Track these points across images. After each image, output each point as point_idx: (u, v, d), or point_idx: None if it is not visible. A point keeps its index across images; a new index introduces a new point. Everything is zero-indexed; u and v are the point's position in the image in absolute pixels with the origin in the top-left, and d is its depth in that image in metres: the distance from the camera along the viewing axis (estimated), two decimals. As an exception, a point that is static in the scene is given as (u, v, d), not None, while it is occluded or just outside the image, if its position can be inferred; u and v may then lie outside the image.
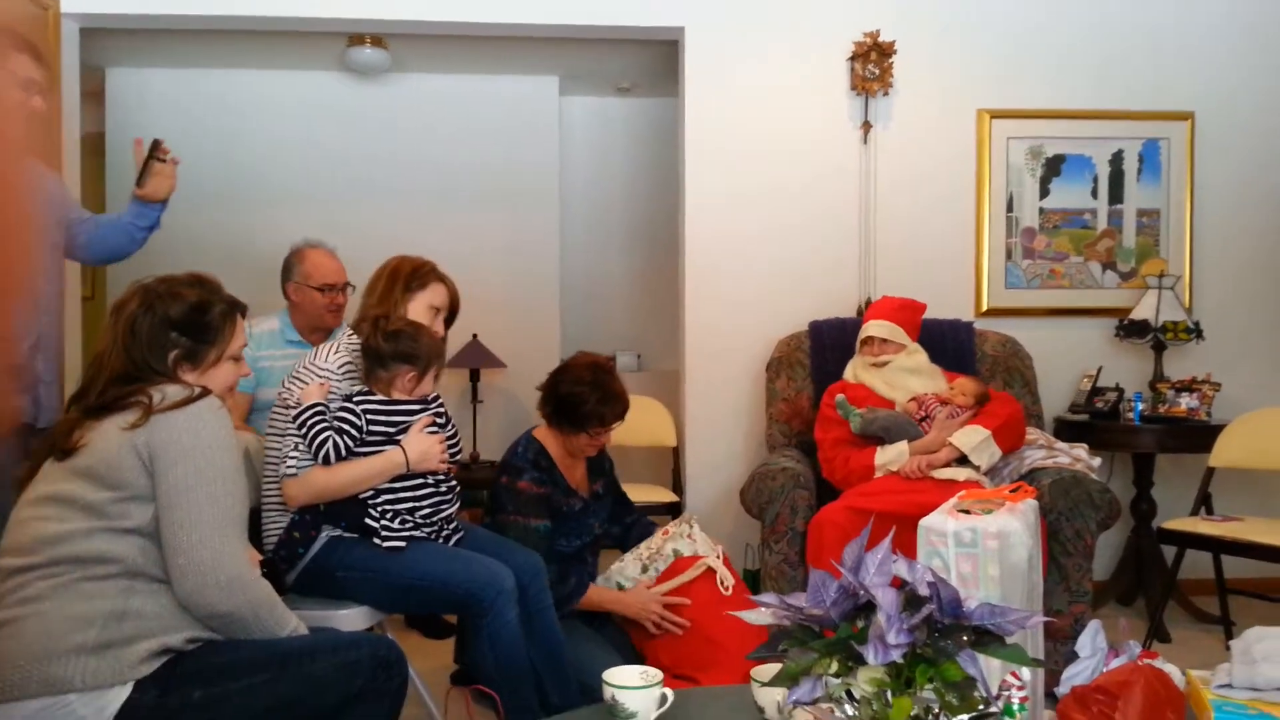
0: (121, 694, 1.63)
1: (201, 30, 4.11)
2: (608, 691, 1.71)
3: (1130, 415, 3.80)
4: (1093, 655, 1.54)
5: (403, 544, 2.31)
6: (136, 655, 1.66)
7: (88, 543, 1.70)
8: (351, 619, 2.29)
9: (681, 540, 2.92)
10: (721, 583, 2.83)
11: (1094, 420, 3.81)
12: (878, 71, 3.95)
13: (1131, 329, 3.92)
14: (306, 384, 2.39)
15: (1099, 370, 3.95)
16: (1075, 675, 1.52)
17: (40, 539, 1.70)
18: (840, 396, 3.26)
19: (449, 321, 2.70)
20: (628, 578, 2.86)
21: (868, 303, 3.83)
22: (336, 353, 2.46)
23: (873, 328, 3.37)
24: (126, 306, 1.86)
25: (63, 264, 2.68)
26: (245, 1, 3.78)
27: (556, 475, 2.84)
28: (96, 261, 2.87)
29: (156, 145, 2.75)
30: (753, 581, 3.68)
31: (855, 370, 3.42)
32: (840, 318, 3.76)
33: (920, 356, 3.38)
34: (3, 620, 1.67)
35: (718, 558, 2.90)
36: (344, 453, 2.29)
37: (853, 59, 3.95)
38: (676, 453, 4.20)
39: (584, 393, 2.77)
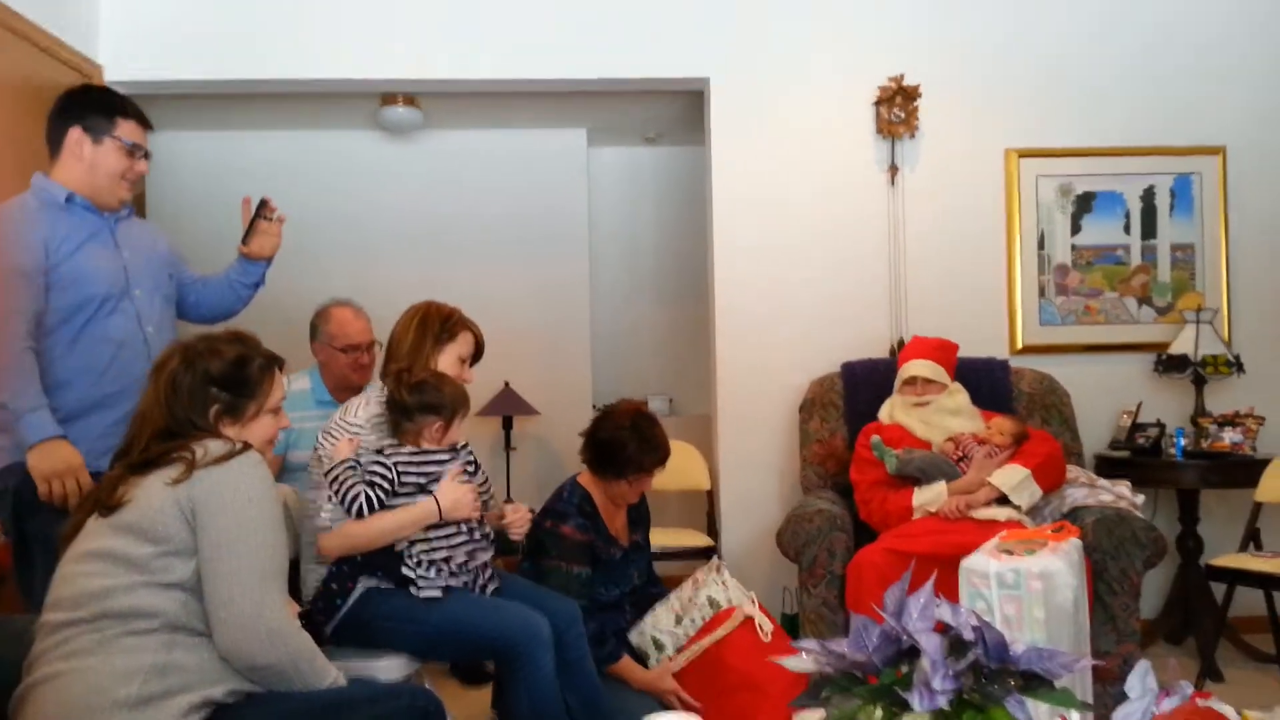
0: (165, 747, 1.63)
1: (238, 95, 4.22)
2: (648, 740, 1.69)
3: (1172, 451, 3.73)
4: (1143, 696, 1.50)
5: (439, 593, 2.31)
6: (178, 709, 1.66)
7: (130, 597, 1.71)
8: (390, 668, 2.29)
9: (715, 587, 2.90)
10: (760, 628, 2.80)
11: (1135, 457, 3.75)
12: (903, 115, 3.97)
13: (1171, 363, 3.87)
14: (337, 440, 2.41)
15: (1139, 406, 3.89)
16: (1126, 717, 1.48)
17: (85, 594, 1.72)
18: (875, 438, 3.24)
19: (475, 360, 2.70)
20: (662, 630, 2.84)
21: (900, 343, 3.81)
22: (366, 406, 2.48)
23: (916, 367, 3.35)
24: (168, 364, 1.90)
25: (171, 317, 2.69)
26: (280, 66, 3.88)
27: (600, 523, 2.84)
28: (206, 320, 2.85)
29: (264, 204, 2.78)
30: (791, 626, 3.63)
31: (891, 411, 3.40)
32: (873, 358, 3.75)
33: (962, 396, 3.36)
34: (48, 675, 1.68)
35: (753, 603, 2.88)
36: (376, 505, 2.31)
37: (878, 103, 3.98)
38: (710, 496, 4.18)
39: (624, 439, 2.78)
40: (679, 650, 2.81)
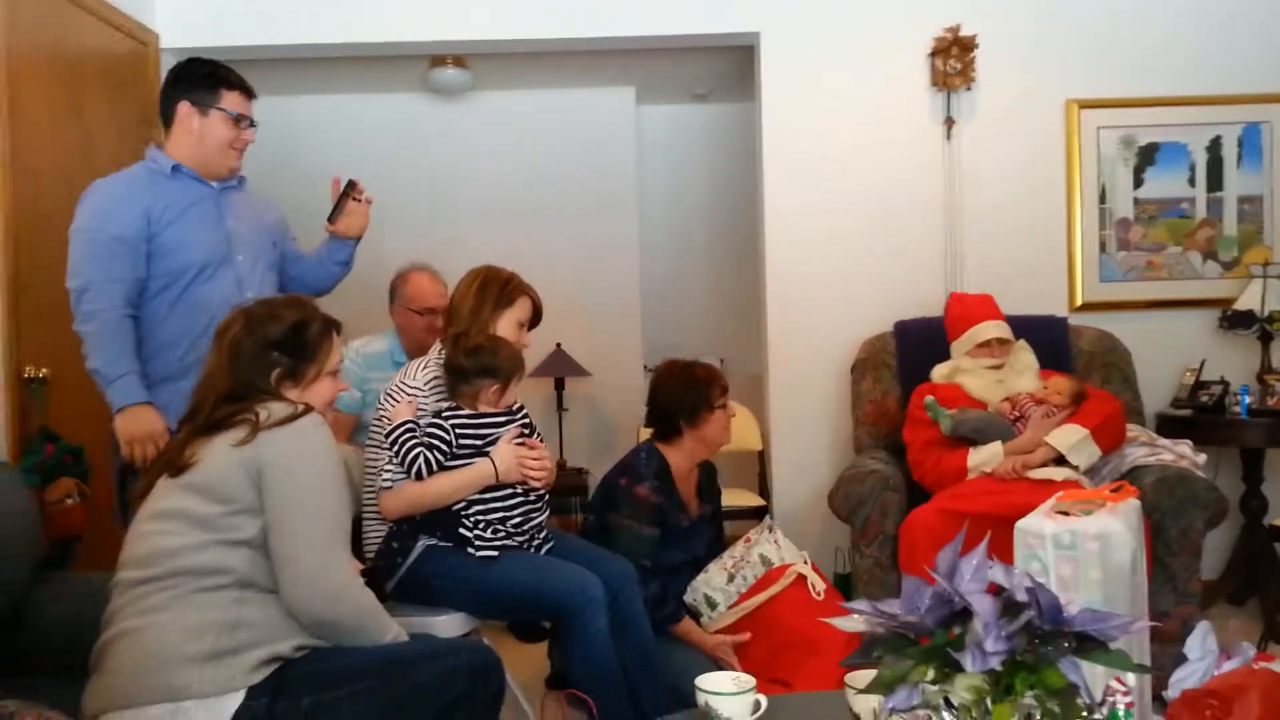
0: (236, 700, 1.70)
1: (290, 59, 4.26)
2: (701, 698, 1.72)
3: (1237, 409, 3.65)
4: (1203, 658, 1.48)
5: (495, 554, 2.35)
6: (249, 663, 1.73)
7: (201, 555, 1.77)
8: (448, 625, 2.35)
9: (769, 545, 2.92)
10: (813, 587, 2.82)
11: (1198, 415, 3.68)
12: (960, 66, 3.88)
13: (1236, 320, 3.77)
14: (397, 402, 2.45)
15: (1202, 364, 3.81)
16: (1185, 679, 1.47)
17: (157, 552, 1.78)
18: (930, 398, 3.21)
19: (533, 325, 2.72)
20: (715, 588, 2.86)
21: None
22: (425, 369, 2.52)
23: (991, 329, 3.31)
24: (230, 330, 1.95)
25: (273, 284, 2.76)
26: (331, 30, 3.90)
27: (673, 490, 2.88)
28: (302, 289, 2.90)
29: (352, 185, 2.83)
30: (844, 586, 3.64)
31: (952, 373, 3.34)
32: (927, 317, 3.70)
33: (1029, 354, 3.31)
34: (124, 630, 1.75)
35: (805, 563, 2.89)
36: (435, 467, 2.35)
37: (933, 55, 3.89)
38: (762, 456, 4.18)
39: (694, 371, 2.88)
40: (730, 607, 2.84)
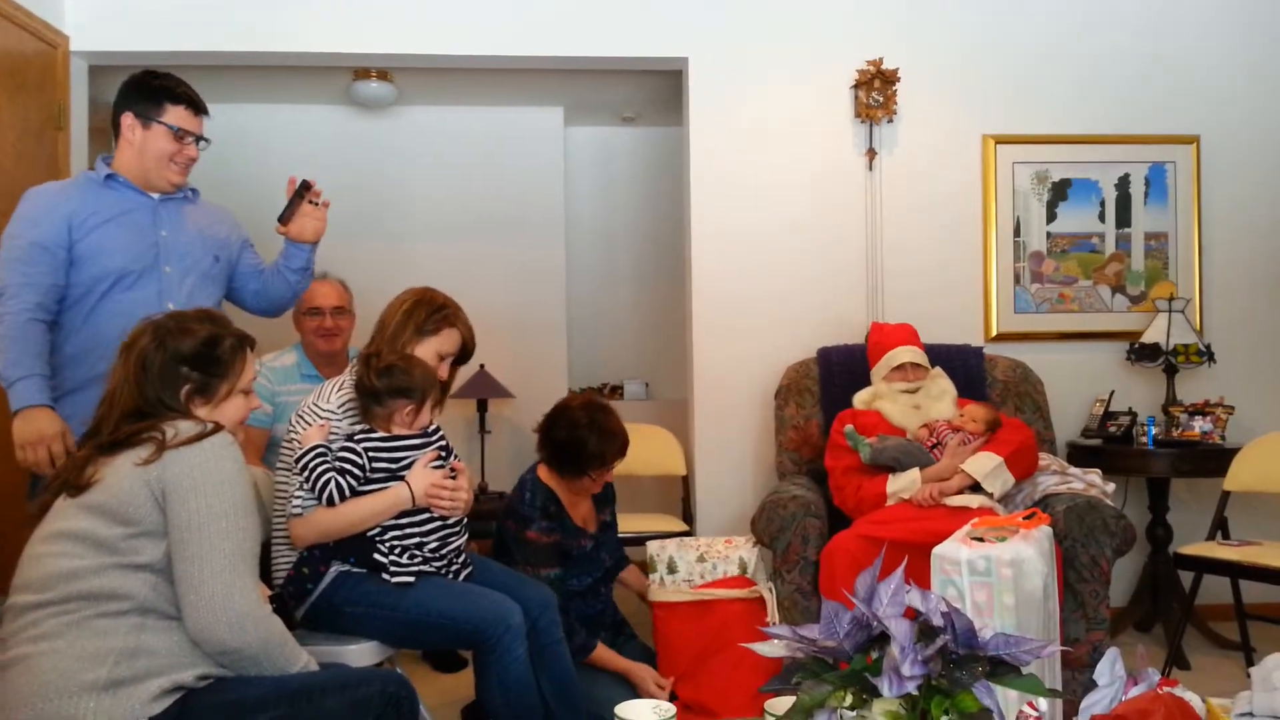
0: (133, 732, 1.62)
1: (206, 67, 4.16)
2: (621, 726, 1.69)
3: (1144, 439, 3.77)
4: (1111, 684, 1.52)
5: (412, 579, 2.30)
6: (148, 693, 1.65)
7: (100, 579, 1.69)
8: (361, 654, 2.28)
9: (750, 555, 2.94)
10: (771, 615, 2.85)
11: (1107, 445, 3.79)
12: (881, 99, 3.97)
13: (1143, 352, 3.91)
14: (310, 425, 2.38)
15: (1111, 394, 3.93)
16: (1094, 704, 1.50)
17: (53, 575, 1.70)
18: (849, 427, 3.24)
19: (461, 360, 2.66)
20: (683, 559, 2.90)
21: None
22: (339, 391, 2.45)
23: (905, 354, 3.36)
24: (137, 343, 1.88)
25: (208, 297, 2.67)
26: (251, 38, 3.82)
27: (565, 519, 2.83)
28: (266, 310, 2.87)
29: (307, 187, 2.74)
30: (765, 611, 3.65)
31: (873, 399, 3.39)
32: (849, 344, 3.76)
33: (945, 380, 3.38)
34: (16, 658, 1.67)
35: (771, 592, 2.91)
36: (347, 493, 2.29)
37: (856, 86, 3.98)
38: (686, 481, 4.18)
39: (582, 435, 2.75)
40: (694, 586, 2.84)
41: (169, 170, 2.60)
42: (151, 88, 2.60)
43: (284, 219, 2.74)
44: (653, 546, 3.03)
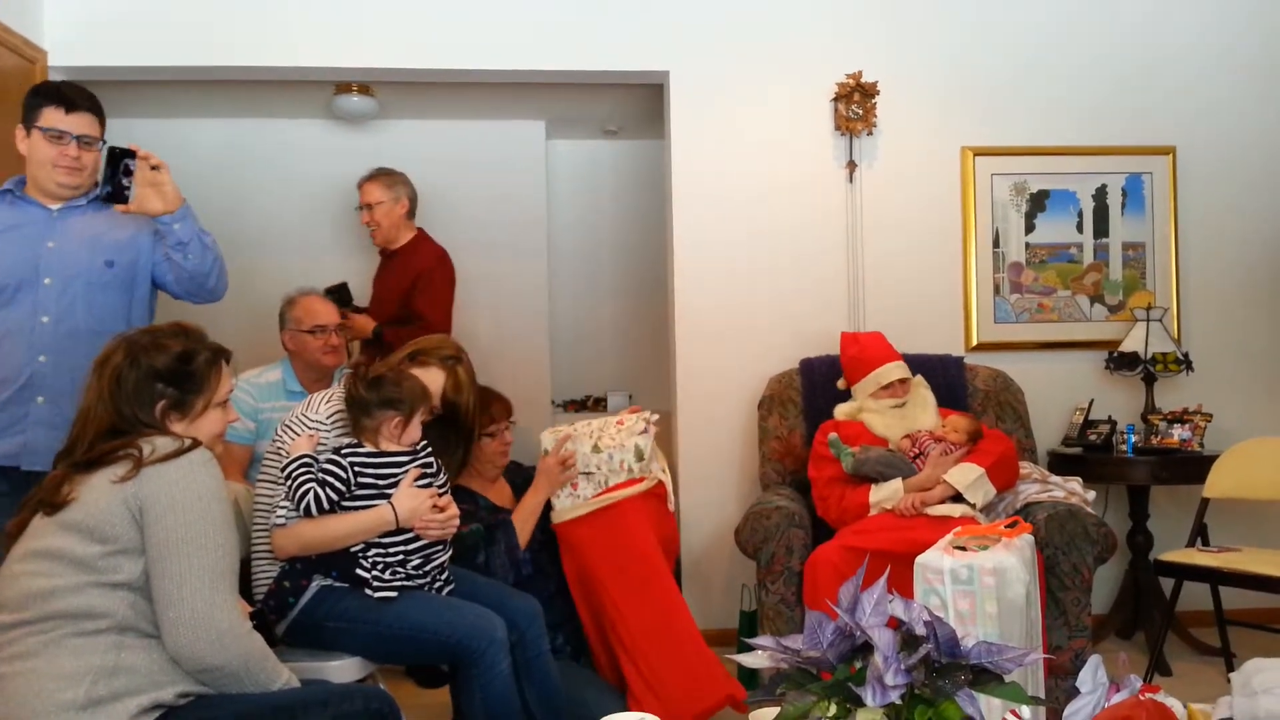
0: (112, 751, 1.60)
1: (186, 81, 4.15)
2: (606, 739, 1.69)
3: (1123, 447, 3.80)
4: (1094, 691, 1.52)
5: (394, 594, 2.28)
6: (127, 711, 1.64)
7: (78, 598, 1.68)
8: (343, 670, 2.27)
9: (645, 441, 2.90)
10: (671, 504, 2.94)
11: (1087, 453, 3.81)
12: (861, 112, 3.99)
13: (1122, 361, 3.94)
14: (297, 435, 2.37)
15: (1090, 403, 3.96)
16: (1077, 711, 1.50)
17: (31, 594, 1.69)
18: (833, 435, 3.25)
19: (445, 419, 2.61)
20: (582, 458, 2.88)
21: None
22: (328, 402, 2.45)
23: (895, 370, 3.37)
24: (111, 360, 1.86)
25: (95, 306, 2.60)
26: (231, 53, 3.81)
27: (478, 501, 2.90)
28: (195, 296, 2.74)
29: (131, 154, 2.50)
30: (749, 623, 3.65)
31: (856, 413, 3.40)
32: (831, 355, 3.77)
33: (926, 390, 3.39)
34: (-8, 678, 1.65)
35: (664, 471, 2.97)
36: (326, 505, 2.27)
37: (836, 100, 4.00)
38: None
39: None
40: (596, 495, 2.85)
41: (56, 174, 2.55)
42: (35, 92, 2.57)
43: (115, 198, 2.50)
44: (545, 437, 2.95)
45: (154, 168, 2.53)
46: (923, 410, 3.33)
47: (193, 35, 3.78)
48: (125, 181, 2.51)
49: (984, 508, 3.12)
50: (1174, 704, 1.53)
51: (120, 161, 2.49)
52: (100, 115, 2.64)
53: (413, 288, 3.83)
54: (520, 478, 3.09)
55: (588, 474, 2.89)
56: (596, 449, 2.87)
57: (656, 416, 3.03)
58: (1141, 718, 1.41)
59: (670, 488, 2.98)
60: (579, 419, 3.53)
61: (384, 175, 4.00)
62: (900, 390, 3.37)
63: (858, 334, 3.57)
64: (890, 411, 3.33)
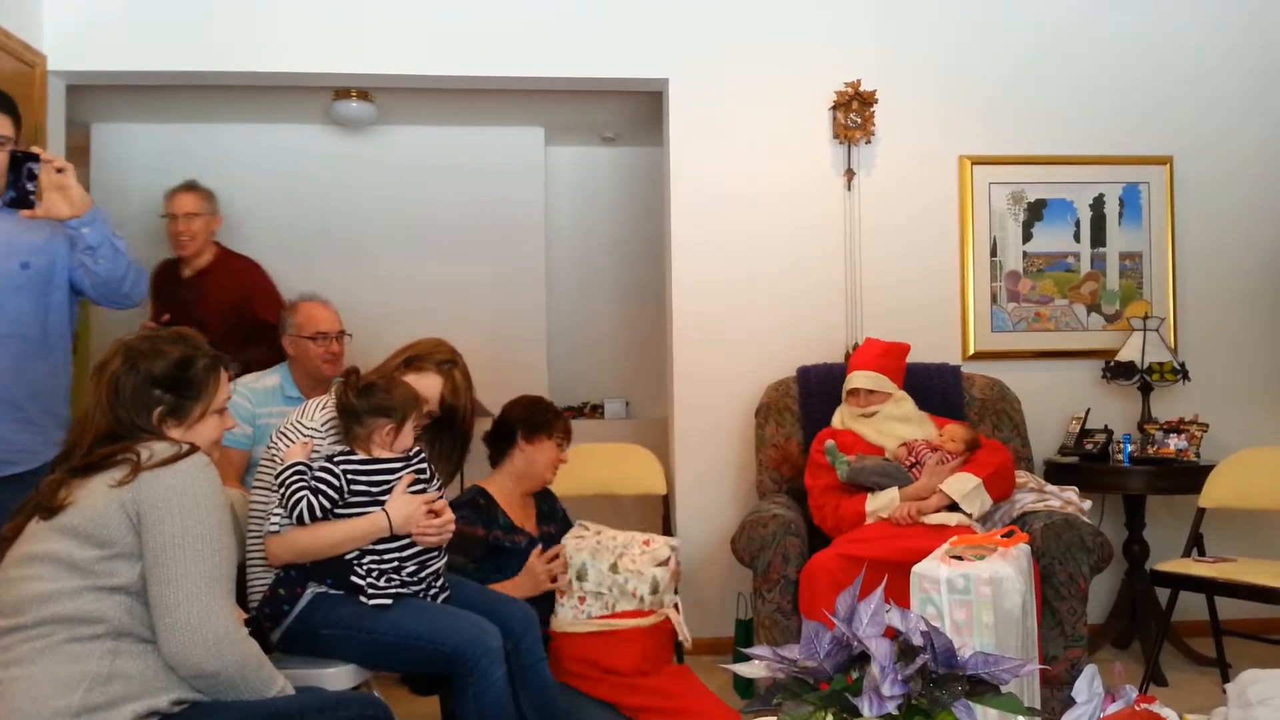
0: (106, 758, 1.60)
1: (186, 86, 4.15)
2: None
3: (1120, 457, 3.80)
4: (1089, 701, 1.52)
5: (389, 601, 2.28)
6: (122, 718, 1.63)
7: (74, 602, 1.67)
8: (338, 677, 2.26)
9: (664, 575, 2.85)
10: (682, 636, 2.86)
11: (1084, 462, 3.81)
12: (860, 120, 4.00)
13: (1118, 370, 3.94)
14: (291, 442, 2.37)
15: (1087, 412, 3.96)
16: (1073, 723, 1.50)
17: (27, 599, 1.68)
18: (830, 443, 3.26)
19: (441, 423, 2.62)
20: (593, 565, 2.84)
21: (854, 347, 3.84)
22: (323, 409, 2.44)
23: (858, 379, 3.37)
24: (109, 365, 1.86)
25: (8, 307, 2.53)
26: (230, 58, 3.82)
27: (497, 513, 2.87)
28: (112, 302, 2.69)
29: (34, 158, 2.41)
30: (745, 632, 3.64)
31: (842, 418, 3.42)
32: (828, 363, 3.77)
33: (908, 404, 3.39)
34: (-12, 684, 1.64)
35: (677, 609, 2.90)
36: (319, 513, 2.26)
37: (835, 108, 4.01)
38: (666, 500, 4.17)
39: (537, 401, 3.03)
40: (601, 617, 2.80)
41: None
42: None
43: (20, 203, 2.41)
44: (570, 541, 2.92)
45: (59, 170, 2.45)
46: (901, 424, 3.32)
47: (192, 40, 3.78)
48: (30, 186, 2.41)
49: (980, 517, 3.12)
50: (1169, 714, 1.53)
51: (24, 165, 2.40)
52: (14, 115, 2.53)
53: (243, 301, 3.78)
54: (547, 505, 3.07)
55: (598, 594, 2.82)
56: (614, 569, 2.82)
57: (678, 543, 2.97)
58: (1137, 728, 1.40)
59: (681, 619, 2.87)
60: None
61: (200, 188, 3.89)
62: (865, 400, 3.36)
63: (874, 340, 3.57)
64: (862, 421, 3.34)
